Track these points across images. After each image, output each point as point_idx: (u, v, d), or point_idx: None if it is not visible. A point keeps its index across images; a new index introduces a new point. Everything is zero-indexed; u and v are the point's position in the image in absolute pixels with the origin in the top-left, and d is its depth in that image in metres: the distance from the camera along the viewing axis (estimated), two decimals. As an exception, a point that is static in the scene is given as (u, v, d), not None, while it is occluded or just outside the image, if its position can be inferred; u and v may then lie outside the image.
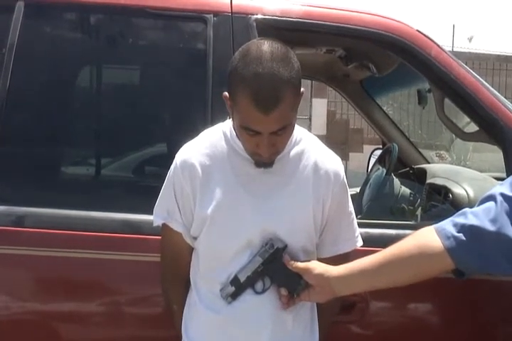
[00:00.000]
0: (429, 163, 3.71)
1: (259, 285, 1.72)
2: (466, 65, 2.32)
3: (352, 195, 1.89)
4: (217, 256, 1.74)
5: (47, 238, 2.04)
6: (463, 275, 1.71)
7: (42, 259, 2.05)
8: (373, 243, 1.89)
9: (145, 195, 1.97)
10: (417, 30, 2.28)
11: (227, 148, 1.74)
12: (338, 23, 2.27)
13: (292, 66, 1.59)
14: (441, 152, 8.64)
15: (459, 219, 1.66)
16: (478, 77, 2.27)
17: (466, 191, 2.53)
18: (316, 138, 1.83)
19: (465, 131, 2.63)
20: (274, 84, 1.55)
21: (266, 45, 1.60)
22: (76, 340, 2.08)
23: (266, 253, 1.70)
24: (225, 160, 1.73)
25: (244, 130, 1.62)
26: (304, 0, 2.35)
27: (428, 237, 1.67)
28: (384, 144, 3.61)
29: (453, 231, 1.64)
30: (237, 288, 1.71)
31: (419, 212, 2.75)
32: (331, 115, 9.53)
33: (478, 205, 1.68)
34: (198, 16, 2.21)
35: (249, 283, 1.71)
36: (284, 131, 1.62)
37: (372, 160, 3.54)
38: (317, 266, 1.72)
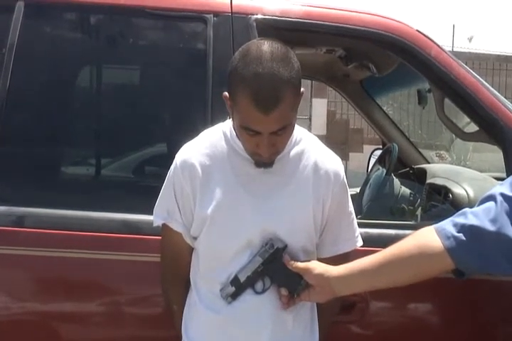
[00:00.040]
0: (429, 163, 3.71)
1: (259, 285, 1.72)
2: (466, 64, 2.32)
3: (352, 195, 1.89)
4: (217, 256, 1.74)
5: (46, 238, 2.04)
6: (463, 276, 1.71)
7: (42, 259, 2.05)
8: (373, 243, 1.89)
9: (145, 195, 1.97)
10: (417, 30, 2.28)
11: (227, 148, 1.74)
12: (337, 23, 2.27)
13: (292, 66, 1.59)
14: (441, 152, 8.64)
15: (459, 219, 1.66)
16: (478, 77, 2.27)
17: (466, 191, 2.53)
18: (316, 138, 1.83)
19: (465, 131, 2.63)
20: (274, 84, 1.55)
21: (266, 45, 1.60)
22: (74, 340, 2.08)
23: (266, 253, 1.70)
24: (225, 160, 1.73)
25: (244, 130, 1.62)
26: (303, 0, 2.35)
27: (428, 237, 1.67)
28: (384, 144, 3.61)
29: (453, 231, 1.64)
30: (237, 288, 1.71)
31: (419, 212, 2.76)
32: (331, 115, 9.53)
33: (478, 205, 1.68)
34: (198, 16, 2.21)
35: (249, 283, 1.71)
36: (284, 131, 1.62)
37: (372, 160, 3.54)
38: (317, 266, 1.72)
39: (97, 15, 2.32)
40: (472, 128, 2.45)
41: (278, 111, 1.56)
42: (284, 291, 1.71)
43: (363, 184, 3.20)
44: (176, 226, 1.77)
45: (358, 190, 3.20)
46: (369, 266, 1.69)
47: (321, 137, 1.95)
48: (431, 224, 1.72)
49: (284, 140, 1.66)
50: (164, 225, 1.80)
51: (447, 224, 1.67)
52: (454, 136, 3.87)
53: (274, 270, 1.71)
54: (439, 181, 2.81)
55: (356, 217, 1.87)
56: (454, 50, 13.55)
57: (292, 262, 1.71)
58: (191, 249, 1.80)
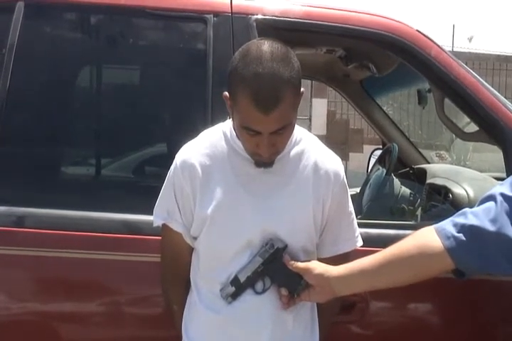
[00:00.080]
0: (429, 163, 3.71)
1: (259, 285, 1.72)
2: (466, 65, 2.32)
3: (352, 195, 1.89)
4: (217, 256, 1.74)
5: (46, 238, 2.04)
6: (463, 276, 1.71)
7: (42, 259, 2.05)
8: (373, 243, 1.89)
9: (145, 195, 1.97)
10: (417, 30, 2.28)
11: (227, 148, 1.74)
12: (337, 23, 2.27)
13: (292, 66, 1.59)
14: (441, 152, 8.64)
15: (459, 219, 1.66)
16: (478, 77, 2.27)
17: (466, 191, 2.53)
18: (316, 138, 1.83)
19: (465, 131, 2.63)
20: (274, 84, 1.55)
21: (266, 45, 1.60)
22: (74, 340, 2.08)
23: (266, 253, 1.70)
24: (225, 160, 1.73)
25: (244, 130, 1.62)
26: (303, 0, 2.35)
27: (428, 237, 1.67)
28: (384, 144, 3.61)
29: (453, 231, 1.64)
30: (237, 288, 1.71)
31: (419, 212, 2.76)
32: (331, 115, 9.53)
33: (478, 205, 1.68)
34: (198, 16, 2.21)
35: (250, 283, 1.71)
36: (284, 131, 1.62)
37: (372, 161, 3.54)
38: (317, 266, 1.72)
39: (97, 16, 2.32)
40: (472, 128, 2.45)
41: (278, 111, 1.56)
42: (284, 291, 1.71)
43: (363, 184, 3.20)
44: (176, 226, 1.77)
45: (358, 190, 3.20)
46: (369, 266, 1.69)
47: (321, 137, 1.95)
48: (431, 224, 1.72)
49: (284, 140, 1.66)
50: (164, 225, 1.80)
51: (447, 224, 1.67)
52: (454, 136, 3.88)
53: (274, 270, 1.71)
54: (439, 181, 2.81)
55: (356, 217, 1.87)
56: (454, 50, 13.56)
57: (292, 262, 1.71)
58: (191, 249, 1.80)
